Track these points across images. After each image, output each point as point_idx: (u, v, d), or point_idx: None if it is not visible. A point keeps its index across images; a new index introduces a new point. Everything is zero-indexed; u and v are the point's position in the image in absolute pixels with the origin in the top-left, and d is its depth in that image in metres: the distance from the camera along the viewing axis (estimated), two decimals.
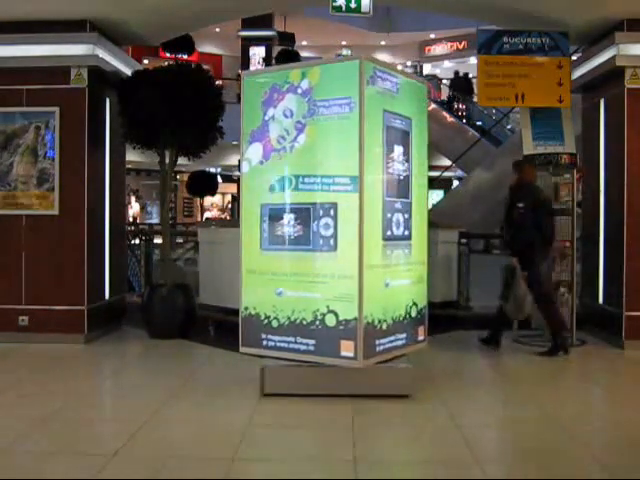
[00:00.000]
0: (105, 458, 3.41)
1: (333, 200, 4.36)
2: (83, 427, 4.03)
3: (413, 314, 4.75)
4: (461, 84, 18.83)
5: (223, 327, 6.74)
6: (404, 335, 4.66)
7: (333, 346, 4.36)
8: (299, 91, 4.52)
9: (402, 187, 4.63)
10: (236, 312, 6.48)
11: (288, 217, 4.54)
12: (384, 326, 4.47)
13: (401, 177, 4.61)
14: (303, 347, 4.48)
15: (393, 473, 3.41)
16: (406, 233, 4.66)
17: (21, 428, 3.87)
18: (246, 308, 4.76)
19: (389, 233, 4.50)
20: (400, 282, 4.62)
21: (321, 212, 4.39)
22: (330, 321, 4.37)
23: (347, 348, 4.32)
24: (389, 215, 4.50)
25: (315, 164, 4.44)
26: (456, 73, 20.15)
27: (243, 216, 4.80)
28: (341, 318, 4.33)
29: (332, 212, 4.36)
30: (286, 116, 4.57)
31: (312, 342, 4.45)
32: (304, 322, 4.46)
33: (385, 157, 4.46)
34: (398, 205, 4.59)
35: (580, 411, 4.52)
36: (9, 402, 4.49)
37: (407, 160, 4.65)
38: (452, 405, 4.41)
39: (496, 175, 11.71)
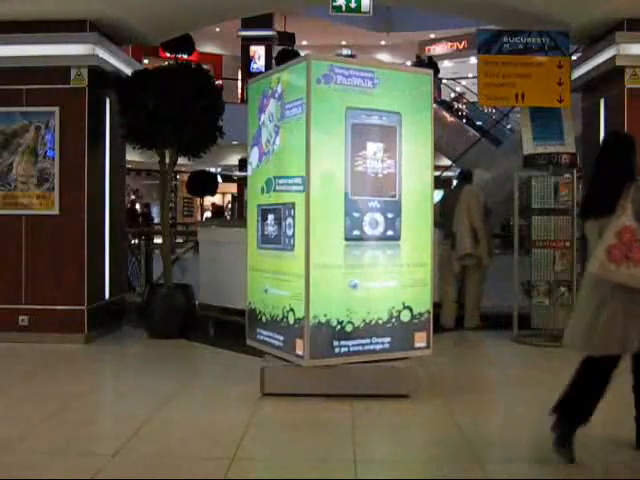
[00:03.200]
0: (105, 458, 3.41)
1: (293, 200, 4.44)
2: (83, 427, 4.03)
3: (405, 319, 4.57)
4: (425, 67, 19.10)
5: (223, 327, 6.74)
6: (387, 339, 4.51)
7: (292, 343, 4.45)
8: (276, 95, 4.65)
9: (383, 185, 4.49)
10: (236, 312, 6.51)
11: (270, 217, 4.71)
12: (348, 328, 4.40)
13: (380, 175, 4.47)
14: (277, 342, 4.63)
15: (393, 473, 3.41)
16: (389, 233, 4.51)
17: (21, 428, 3.87)
18: (249, 303, 5.00)
19: (356, 233, 4.42)
20: (378, 284, 4.50)
21: (286, 212, 4.51)
22: (291, 319, 4.46)
23: (299, 347, 4.38)
24: (356, 215, 4.41)
25: (285, 165, 4.53)
26: (418, 57, 20.53)
27: (247, 216, 5.05)
28: (297, 316, 4.39)
29: (293, 212, 4.44)
30: (270, 121, 4.71)
31: (281, 338, 4.57)
32: (277, 318, 4.61)
33: (351, 155, 4.38)
34: (374, 204, 4.46)
35: None
36: (9, 402, 4.49)
37: (391, 157, 4.49)
38: (452, 405, 4.40)
39: (496, 175, 11.72)
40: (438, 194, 19.33)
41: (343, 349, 4.42)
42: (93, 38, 6.26)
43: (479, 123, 17.72)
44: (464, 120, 18.08)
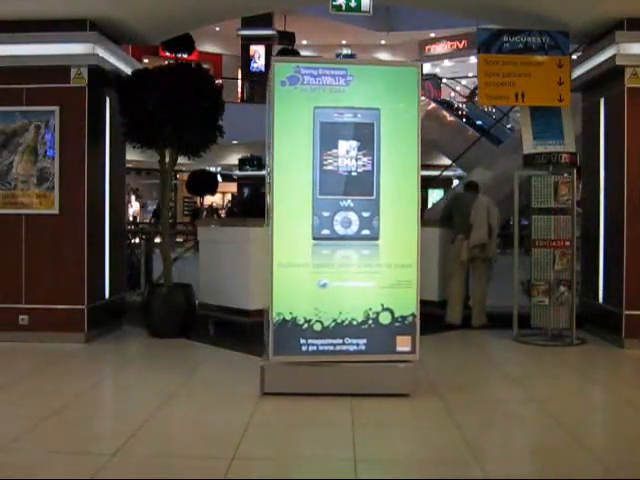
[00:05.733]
0: (105, 457, 3.41)
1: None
2: (83, 426, 4.03)
3: (384, 321, 4.46)
4: None
5: (223, 326, 6.74)
6: (363, 341, 4.45)
7: (268, 339, 4.58)
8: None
9: (357, 184, 4.42)
10: (236, 311, 6.51)
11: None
12: (317, 327, 4.41)
13: (353, 173, 4.41)
14: (266, 339, 4.71)
15: (393, 473, 3.41)
16: (365, 233, 4.44)
17: (21, 427, 3.87)
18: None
19: (326, 232, 4.41)
20: (351, 284, 4.46)
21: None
22: (268, 315, 4.58)
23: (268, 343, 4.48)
24: (326, 214, 4.40)
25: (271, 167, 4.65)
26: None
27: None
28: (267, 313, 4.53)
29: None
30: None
31: (267, 334, 4.67)
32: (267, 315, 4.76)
33: (319, 154, 4.39)
34: (347, 203, 4.42)
35: (580, 409, 4.52)
36: (9, 401, 4.49)
37: (366, 155, 4.42)
38: (452, 404, 4.41)
39: (496, 174, 11.72)
40: (438, 194, 19.20)
41: (311, 347, 4.43)
42: (93, 37, 6.25)
43: (479, 122, 17.73)
44: (464, 119, 18.09)
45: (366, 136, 4.44)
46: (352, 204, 4.44)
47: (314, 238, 4.42)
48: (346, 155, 4.42)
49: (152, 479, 3.20)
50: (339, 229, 4.43)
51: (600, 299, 6.72)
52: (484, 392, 4.96)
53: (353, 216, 4.44)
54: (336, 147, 4.41)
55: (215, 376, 5.29)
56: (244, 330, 6.30)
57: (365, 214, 4.45)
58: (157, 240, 9.09)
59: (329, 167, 4.41)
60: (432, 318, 7.27)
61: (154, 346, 6.33)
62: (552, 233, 6.46)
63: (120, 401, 4.83)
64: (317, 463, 3.47)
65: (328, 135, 4.40)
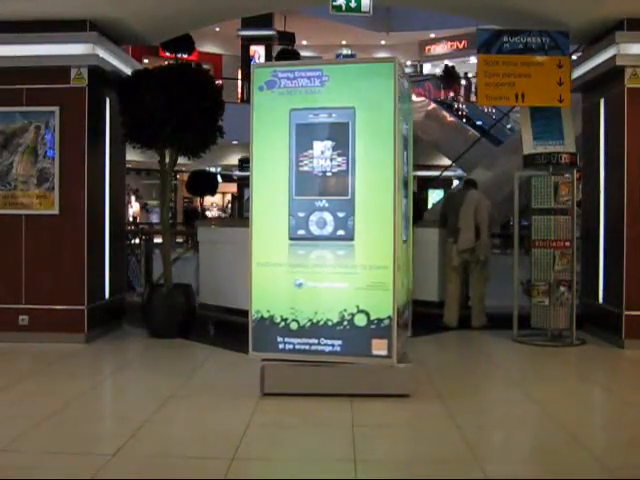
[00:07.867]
0: (105, 457, 3.41)
1: None
2: (83, 426, 4.03)
3: (359, 323, 4.38)
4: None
5: (223, 327, 6.75)
6: (338, 342, 4.42)
7: None
8: None
9: (332, 184, 4.40)
10: (235, 311, 6.51)
11: None
12: (293, 325, 4.45)
13: (328, 174, 4.40)
14: None
15: (393, 473, 3.41)
16: (340, 233, 4.39)
17: (21, 427, 3.87)
18: None
19: (301, 232, 4.43)
20: (326, 285, 4.43)
21: None
22: None
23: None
24: (301, 214, 4.42)
25: None
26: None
27: None
28: None
29: None
30: None
31: None
32: None
33: (295, 155, 4.42)
34: (322, 203, 4.41)
35: (580, 410, 4.52)
36: (9, 401, 4.49)
37: (341, 154, 4.37)
38: (452, 404, 4.40)
39: (496, 174, 11.72)
40: (439, 194, 19.25)
41: (288, 346, 4.49)
42: (93, 38, 6.25)
43: (479, 123, 17.73)
44: (464, 120, 18.10)
45: (341, 136, 4.41)
46: (327, 204, 4.43)
47: (290, 238, 4.47)
48: (321, 155, 4.43)
49: (152, 479, 3.20)
50: (314, 229, 4.44)
51: (600, 299, 6.72)
52: (484, 392, 4.96)
53: (328, 216, 4.42)
54: (311, 148, 4.43)
55: (215, 376, 5.29)
56: (244, 330, 6.29)
57: (340, 214, 4.41)
58: (157, 240, 9.09)
59: (305, 168, 4.44)
60: (432, 318, 7.29)
61: (154, 346, 6.33)
62: (552, 233, 6.46)
63: (120, 401, 4.83)
64: (317, 463, 3.47)
65: (304, 136, 4.44)
